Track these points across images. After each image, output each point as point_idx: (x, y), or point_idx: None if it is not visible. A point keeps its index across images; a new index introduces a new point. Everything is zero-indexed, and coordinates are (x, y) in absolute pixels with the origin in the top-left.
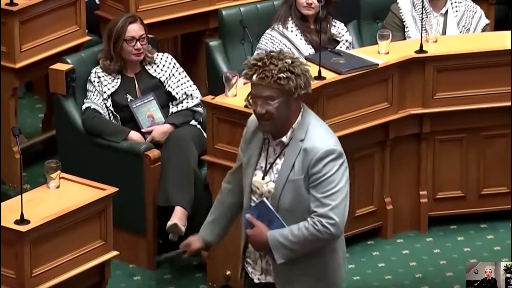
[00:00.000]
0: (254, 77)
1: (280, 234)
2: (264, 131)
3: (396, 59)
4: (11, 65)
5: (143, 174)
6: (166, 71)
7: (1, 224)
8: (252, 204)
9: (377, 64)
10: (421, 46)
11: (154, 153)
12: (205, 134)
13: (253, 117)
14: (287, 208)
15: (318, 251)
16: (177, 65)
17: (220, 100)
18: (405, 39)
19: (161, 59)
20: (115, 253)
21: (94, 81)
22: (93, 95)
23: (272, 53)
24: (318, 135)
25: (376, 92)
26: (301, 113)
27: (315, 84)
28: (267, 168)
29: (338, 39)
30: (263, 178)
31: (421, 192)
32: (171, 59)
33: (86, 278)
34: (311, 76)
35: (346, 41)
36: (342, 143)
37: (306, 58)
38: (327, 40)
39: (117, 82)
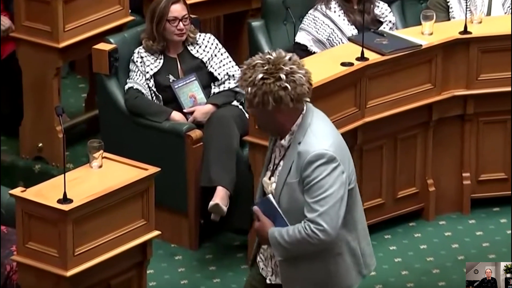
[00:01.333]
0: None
1: (278, 233)
2: (269, 134)
3: (440, 40)
4: (55, 45)
5: (185, 154)
6: (208, 52)
7: (45, 203)
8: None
9: (421, 45)
10: (465, 27)
11: (196, 133)
12: (246, 115)
13: None
14: (285, 208)
15: (320, 256)
16: (219, 45)
17: None
18: (449, 19)
19: (204, 39)
20: (157, 232)
21: (136, 61)
22: (136, 75)
23: (256, 61)
24: (314, 137)
25: (419, 73)
26: (301, 115)
27: (358, 64)
28: (273, 168)
29: (381, 19)
30: (269, 178)
31: (464, 174)
32: (214, 39)
33: (128, 258)
34: (291, 93)
35: (390, 21)
36: (384, 124)
37: (349, 39)
38: (370, 21)
39: (159, 62)
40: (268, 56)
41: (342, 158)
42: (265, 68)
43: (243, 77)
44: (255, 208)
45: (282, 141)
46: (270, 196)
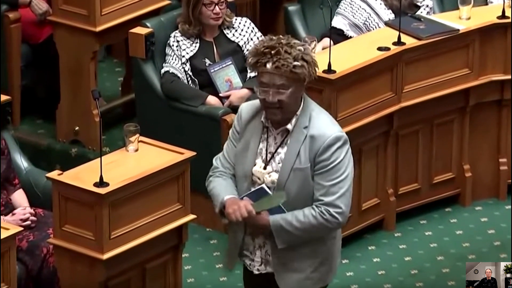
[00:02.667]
0: (269, 65)
1: (283, 219)
2: (273, 120)
3: (478, 25)
4: (92, 29)
5: (221, 138)
6: (244, 36)
7: (81, 186)
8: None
9: (458, 30)
10: (503, 11)
11: (232, 117)
12: None
13: (246, 105)
14: (292, 196)
15: (319, 240)
16: (256, 29)
17: None
18: (487, 4)
19: (240, 23)
20: (192, 216)
21: (173, 45)
22: (172, 59)
23: (282, 40)
24: (324, 121)
25: (456, 58)
26: (302, 100)
27: (395, 49)
28: (268, 158)
29: (418, 4)
30: (264, 168)
31: (500, 160)
32: (250, 23)
33: (163, 241)
34: (317, 63)
35: (427, 6)
36: (421, 109)
37: (386, 24)
38: (407, 5)
39: (195, 46)
40: (277, 39)
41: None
42: (294, 42)
43: (283, 57)
44: (246, 200)
45: (288, 126)
46: (264, 185)
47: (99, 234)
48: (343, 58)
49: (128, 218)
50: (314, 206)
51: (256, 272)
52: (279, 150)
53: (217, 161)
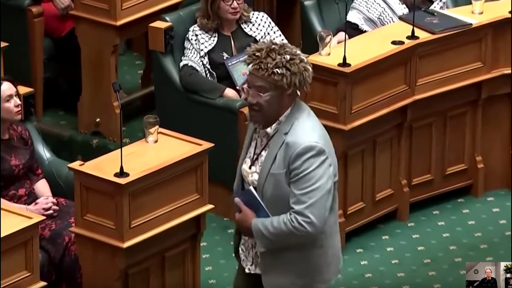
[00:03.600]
0: (250, 66)
1: (262, 224)
2: (252, 121)
3: (490, 19)
4: (112, 23)
5: (238, 130)
6: (261, 30)
7: (102, 176)
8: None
9: (471, 24)
10: None
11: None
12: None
13: None
14: (269, 199)
15: (302, 247)
16: (272, 24)
17: (313, 58)
18: None
19: (257, 18)
20: (210, 206)
21: (191, 39)
22: (191, 52)
23: (273, 46)
24: (302, 130)
25: (469, 51)
26: (291, 107)
27: (409, 43)
28: (254, 158)
29: None
30: (249, 168)
31: None
32: (267, 18)
33: (182, 230)
34: (309, 75)
35: (440, 1)
36: (434, 102)
37: (400, 18)
38: (421, 0)
39: (214, 40)
40: (271, 43)
41: (330, 151)
42: (286, 50)
43: (264, 61)
44: (237, 199)
45: (268, 129)
46: (251, 188)
47: (120, 223)
48: (358, 52)
49: (147, 208)
50: (288, 213)
51: (247, 271)
52: (262, 152)
53: None
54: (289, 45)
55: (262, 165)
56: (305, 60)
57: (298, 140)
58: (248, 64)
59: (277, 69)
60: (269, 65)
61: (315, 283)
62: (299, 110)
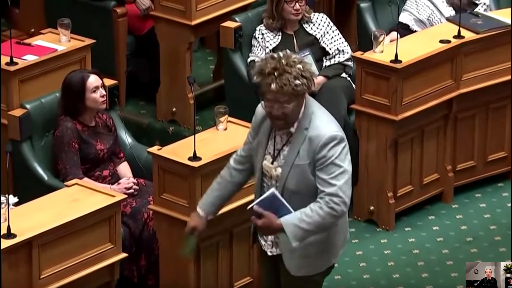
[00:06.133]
0: (273, 86)
1: (293, 218)
2: (278, 128)
3: None
4: (188, 22)
5: None
6: (321, 29)
7: (177, 160)
8: (264, 186)
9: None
10: None
11: None
12: (354, 86)
13: (260, 107)
14: (292, 189)
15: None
16: (331, 23)
17: (368, 55)
18: None
19: (317, 18)
20: None
21: (258, 37)
22: (257, 49)
23: (282, 60)
24: (321, 123)
25: (509, 50)
26: (304, 104)
27: (455, 42)
28: (275, 154)
29: (476, 1)
30: (272, 163)
31: None
32: (326, 18)
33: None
34: (314, 76)
35: (484, 3)
36: (477, 95)
37: (447, 19)
38: (466, 3)
39: (278, 39)
40: (275, 58)
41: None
42: (292, 58)
43: (284, 77)
44: (255, 207)
45: (291, 129)
46: (275, 191)
47: (193, 202)
48: (409, 50)
49: None
50: (318, 199)
51: (269, 254)
52: (284, 148)
53: (234, 154)
54: (287, 51)
55: (286, 159)
56: (307, 61)
57: (320, 132)
58: (270, 84)
59: (297, 81)
60: (290, 80)
61: (332, 258)
62: (311, 104)
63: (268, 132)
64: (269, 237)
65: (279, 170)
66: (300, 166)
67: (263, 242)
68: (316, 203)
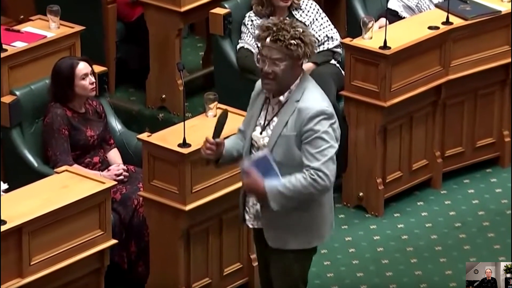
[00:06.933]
0: (268, 39)
1: (278, 184)
2: (266, 89)
3: None
4: (177, 9)
5: None
6: (310, 16)
7: (167, 146)
8: (252, 156)
9: (500, 11)
10: None
11: None
12: (343, 72)
13: (259, 81)
14: (278, 160)
15: (306, 205)
16: (320, 10)
17: (357, 42)
18: None
19: (306, 5)
20: None
21: (247, 24)
22: (247, 36)
23: (285, 21)
24: (313, 97)
25: (498, 36)
26: (300, 77)
27: (443, 28)
28: (265, 124)
29: None
30: (260, 133)
31: None
32: (315, 5)
33: (238, 196)
34: (316, 47)
35: None
36: (466, 81)
37: (436, 6)
38: None
39: None
40: (281, 20)
41: (336, 117)
42: (297, 24)
43: (281, 33)
44: (246, 164)
45: (281, 98)
46: (266, 150)
47: (182, 188)
48: (397, 36)
49: (208, 175)
50: (304, 170)
51: (251, 227)
52: (274, 118)
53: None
54: (295, 21)
55: (273, 129)
56: (312, 33)
57: (310, 105)
58: (265, 37)
59: (292, 40)
60: (285, 36)
61: (313, 239)
62: (306, 80)
63: (261, 104)
64: (251, 209)
65: (266, 139)
66: (286, 137)
67: (247, 217)
68: (301, 173)
